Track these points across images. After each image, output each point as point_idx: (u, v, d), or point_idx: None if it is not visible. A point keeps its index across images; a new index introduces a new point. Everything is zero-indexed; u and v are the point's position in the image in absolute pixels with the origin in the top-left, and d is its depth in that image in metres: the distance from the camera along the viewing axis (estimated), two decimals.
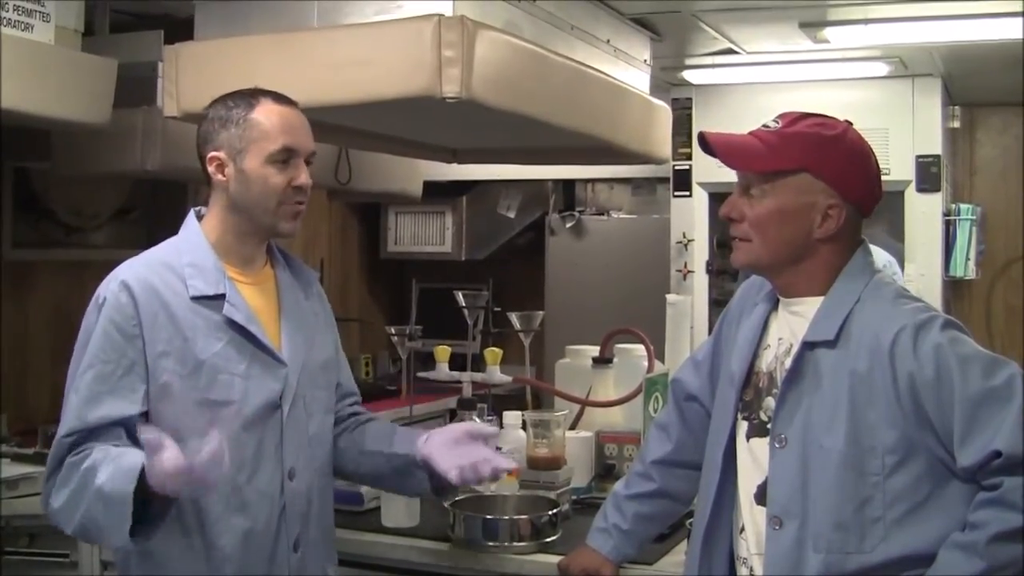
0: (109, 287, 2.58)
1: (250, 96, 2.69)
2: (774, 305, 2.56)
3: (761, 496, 2.43)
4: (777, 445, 2.39)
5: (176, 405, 2.52)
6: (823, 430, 2.32)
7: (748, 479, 2.48)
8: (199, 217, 2.75)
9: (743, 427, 2.51)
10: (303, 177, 2.66)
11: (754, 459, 2.47)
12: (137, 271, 2.60)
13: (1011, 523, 2.17)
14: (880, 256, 5.05)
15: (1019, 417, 2.20)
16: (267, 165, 2.62)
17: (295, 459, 2.68)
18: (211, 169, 2.68)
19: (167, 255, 2.67)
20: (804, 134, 2.42)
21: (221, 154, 2.65)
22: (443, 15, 3.15)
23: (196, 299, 2.60)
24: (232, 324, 2.61)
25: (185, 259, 2.64)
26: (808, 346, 2.39)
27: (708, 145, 2.46)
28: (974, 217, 6.08)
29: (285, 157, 2.63)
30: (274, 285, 2.78)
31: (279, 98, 2.70)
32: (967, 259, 6.05)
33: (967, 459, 2.21)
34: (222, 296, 2.62)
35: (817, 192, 2.41)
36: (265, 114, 2.64)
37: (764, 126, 2.46)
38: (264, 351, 2.65)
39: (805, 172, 2.40)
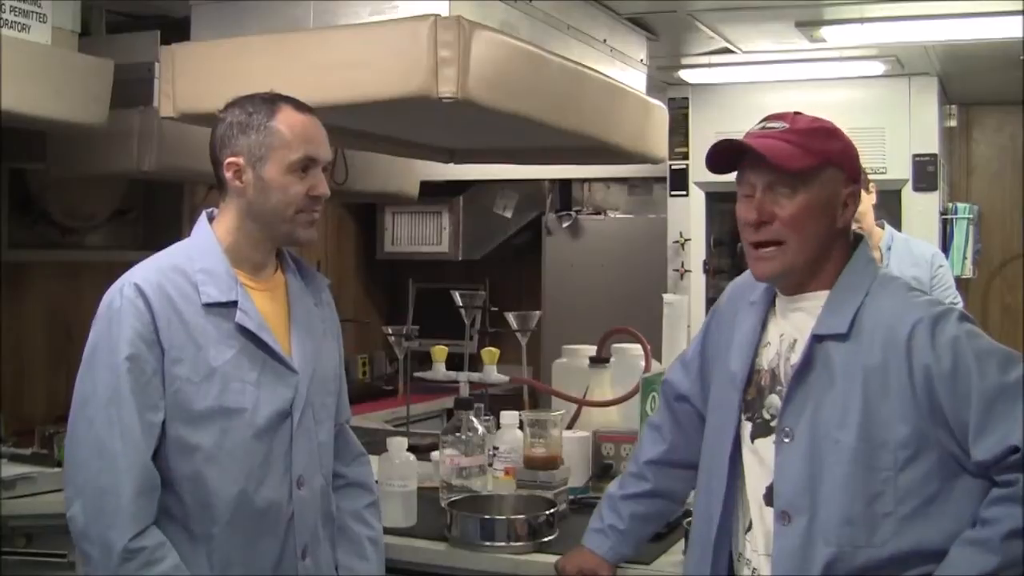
0: (123, 294, 2.53)
1: (270, 102, 2.65)
2: (771, 302, 2.56)
3: (770, 497, 2.41)
4: (785, 439, 2.37)
5: (189, 413, 2.52)
6: (834, 424, 2.31)
7: (755, 481, 2.46)
8: (210, 219, 2.71)
9: (747, 428, 2.49)
10: (322, 187, 2.65)
11: (760, 460, 2.45)
12: (148, 276, 2.55)
13: None
14: (925, 248, 5.07)
15: None
16: (287, 174, 2.60)
17: (304, 467, 2.66)
18: (228, 175, 2.63)
19: (179, 260, 2.62)
20: (815, 128, 2.43)
21: (240, 160, 2.61)
22: (439, 15, 3.16)
23: (208, 306, 2.57)
24: (244, 331, 2.59)
25: (198, 264, 2.60)
26: (817, 339, 2.38)
27: (739, 152, 2.43)
28: (971, 216, 6.10)
29: (305, 166, 2.62)
30: (284, 291, 2.76)
31: (300, 106, 2.67)
32: (964, 258, 6.07)
33: (982, 453, 2.21)
34: (234, 303, 2.59)
35: (838, 183, 2.42)
36: (287, 122, 2.62)
37: (764, 128, 2.44)
38: (275, 359, 2.63)
39: (829, 164, 2.41)
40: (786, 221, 2.38)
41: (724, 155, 2.46)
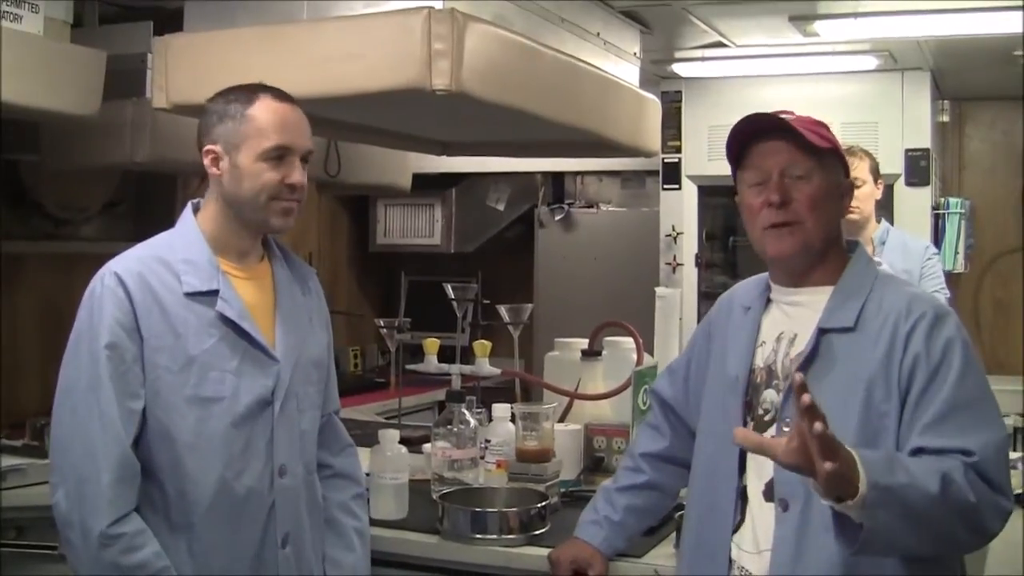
0: (104, 282, 2.56)
1: (250, 91, 2.67)
2: (764, 304, 2.57)
3: (769, 492, 2.41)
4: (785, 429, 2.35)
5: (167, 402, 2.54)
6: (836, 412, 2.27)
7: (755, 478, 2.46)
8: (196, 209, 2.74)
9: (749, 427, 2.48)
10: (296, 175, 2.64)
11: (758, 458, 2.42)
12: (129, 266, 2.58)
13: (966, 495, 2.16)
14: (920, 244, 5.08)
15: (1001, 441, 2.26)
16: (260, 161, 2.61)
17: (286, 456, 2.68)
18: (206, 162, 2.66)
19: (161, 250, 2.65)
20: (817, 121, 2.48)
21: (217, 148, 2.64)
22: (433, 8, 3.15)
23: (189, 295, 2.59)
24: (225, 320, 2.61)
25: (180, 254, 2.63)
26: (822, 332, 2.40)
27: (751, 137, 2.47)
28: (963, 211, 6.11)
29: (279, 155, 2.62)
30: (271, 280, 2.77)
31: (279, 95, 2.68)
32: (956, 253, 6.08)
33: (931, 441, 2.22)
34: (215, 292, 2.61)
35: (839, 170, 2.50)
36: (262, 111, 2.63)
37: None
38: (257, 347, 2.65)
39: (835, 151, 2.48)
40: (804, 202, 2.42)
41: (734, 140, 2.50)
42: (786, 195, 2.41)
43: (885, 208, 5.65)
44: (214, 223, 2.69)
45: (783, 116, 2.45)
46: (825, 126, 2.48)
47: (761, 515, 2.43)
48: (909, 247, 5.00)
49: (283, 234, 2.80)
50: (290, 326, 2.74)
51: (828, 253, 2.48)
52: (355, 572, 2.84)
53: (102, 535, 2.42)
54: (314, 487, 2.81)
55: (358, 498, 2.94)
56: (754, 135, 2.47)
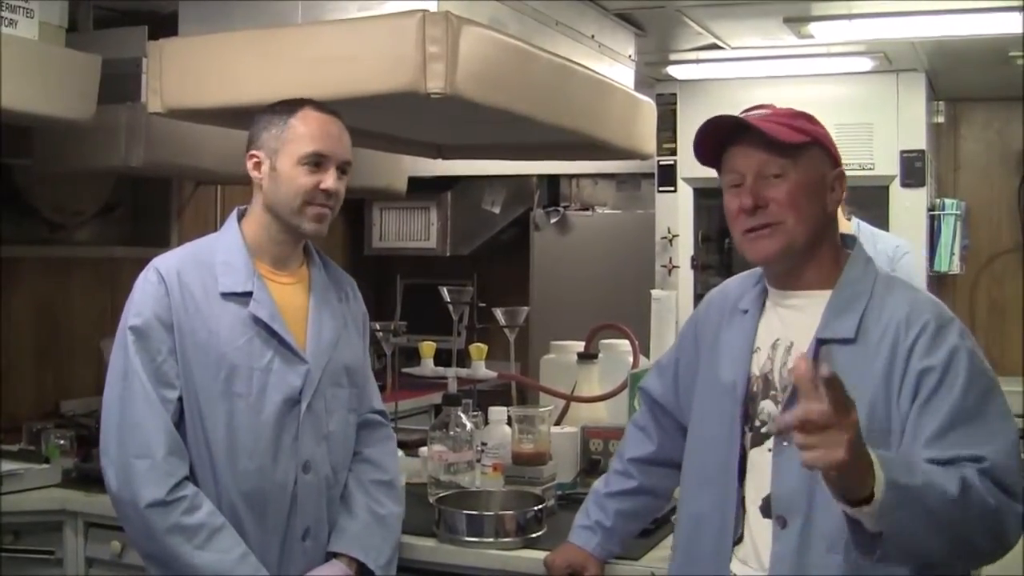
0: (147, 278, 2.75)
1: (295, 103, 2.84)
2: (761, 309, 2.53)
3: (767, 508, 2.38)
4: (784, 443, 2.32)
5: (199, 395, 2.68)
6: None
7: (755, 490, 2.43)
8: (241, 216, 2.89)
9: (747, 438, 2.46)
10: (330, 181, 2.79)
11: (758, 470, 2.42)
12: (170, 264, 2.76)
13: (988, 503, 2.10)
14: (889, 241, 5.06)
15: (1012, 447, 2.20)
16: (297, 166, 2.77)
17: (311, 454, 2.80)
18: (249, 166, 2.83)
19: (202, 251, 2.83)
20: (797, 113, 2.43)
21: (260, 153, 2.82)
22: (427, 11, 3.15)
23: (225, 295, 2.74)
24: (257, 320, 2.75)
25: (219, 256, 2.80)
26: (820, 343, 2.35)
27: (726, 137, 2.42)
28: (958, 212, 6.11)
29: (315, 161, 2.78)
30: (307, 285, 2.92)
31: (321, 107, 2.85)
32: (951, 254, 6.08)
33: (937, 452, 2.15)
34: (249, 293, 2.76)
35: (824, 164, 2.41)
36: (303, 119, 2.80)
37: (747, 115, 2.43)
38: (286, 348, 2.78)
39: (816, 143, 2.40)
40: (781, 202, 2.35)
41: (710, 146, 2.45)
42: (760, 198, 2.36)
43: (880, 210, 5.66)
44: (255, 229, 2.85)
45: (752, 114, 2.41)
46: (805, 116, 2.43)
47: (759, 531, 2.40)
48: (878, 247, 4.97)
49: (318, 239, 2.92)
50: (322, 329, 2.88)
51: (819, 251, 2.41)
52: (359, 539, 2.88)
53: (162, 503, 2.58)
54: (341, 487, 2.93)
55: (380, 484, 3.00)
56: (728, 137, 2.42)
